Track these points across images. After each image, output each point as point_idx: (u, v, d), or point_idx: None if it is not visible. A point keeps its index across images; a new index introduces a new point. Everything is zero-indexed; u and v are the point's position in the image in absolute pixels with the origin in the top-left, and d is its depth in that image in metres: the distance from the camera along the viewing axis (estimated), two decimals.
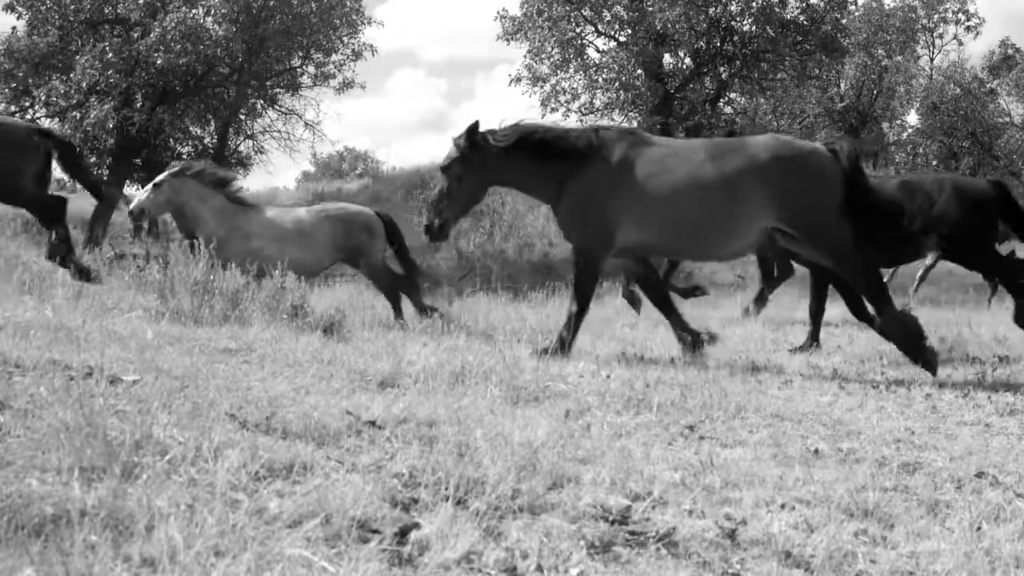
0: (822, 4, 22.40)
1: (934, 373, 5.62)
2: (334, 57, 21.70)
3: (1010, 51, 33.81)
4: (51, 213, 7.24)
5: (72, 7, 18.95)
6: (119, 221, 16.99)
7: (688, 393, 4.31)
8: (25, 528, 1.85)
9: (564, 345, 5.84)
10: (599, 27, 23.24)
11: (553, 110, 23.55)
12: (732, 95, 24.37)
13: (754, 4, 21.91)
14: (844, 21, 23.59)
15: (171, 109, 19.65)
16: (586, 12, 22.86)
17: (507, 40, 23.40)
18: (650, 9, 21.63)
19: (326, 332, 5.76)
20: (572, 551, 2.15)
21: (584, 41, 23.54)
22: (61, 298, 5.42)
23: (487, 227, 18.71)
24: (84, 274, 6.91)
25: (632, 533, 2.28)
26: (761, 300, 10.25)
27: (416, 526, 2.12)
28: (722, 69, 22.87)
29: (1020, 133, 31.56)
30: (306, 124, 22.32)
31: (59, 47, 18.71)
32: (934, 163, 33.36)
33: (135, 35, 18.47)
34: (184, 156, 20.67)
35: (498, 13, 23.37)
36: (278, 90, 21.66)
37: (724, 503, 2.64)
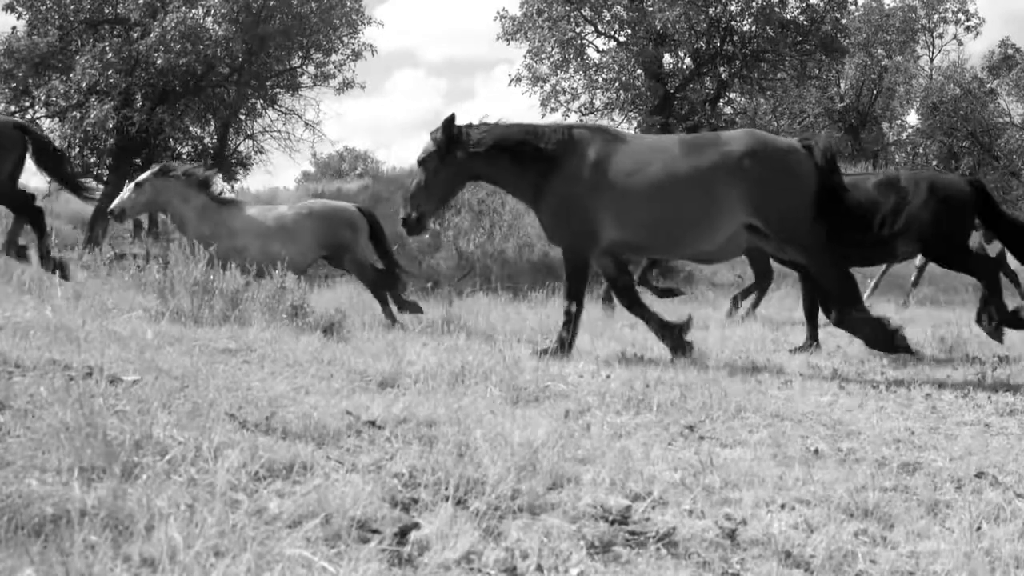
0: (822, 4, 22.39)
1: (912, 352, 5.84)
2: (334, 57, 21.69)
3: (1010, 51, 33.81)
4: (19, 207, 7.32)
5: (72, 7, 18.95)
6: None
7: (688, 393, 4.31)
8: (25, 528, 1.85)
9: (564, 345, 5.84)
10: (599, 27, 23.24)
11: (553, 110, 23.56)
12: (732, 95, 24.36)
13: (754, 4, 21.90)
14: (844, 21, 23.57)
15: (171, 109, 19.64)
16: (586, 12, 22.84)
17: (507, 40, 23.39)
18: (650, 9, 21.62)
19: (326, 332, 5.76)
20: (572, 551, 2.15)
21: (584, 41, 23.54)
22: (61, 298, 5.42)
23: (487, 227, 18.71)
24: (51, 264, 6.97)
25: (632, 533, 2.28)
26: (736, 302, 10.16)
27: (416, 526, 2.12)
28: (722, 69, 22.86)
29: (1020, 133, 31.56)
30: (306, 124, 22.33)
31: (59, 47, 18.70)
32: (934, 163, 33.35)
33: (135, 35, 18.47)
34: (184, 156, 20.67)
35: (498, 13, 23.38)
36: (278, 90, 21.65)
37: (724, 503, 2.65)
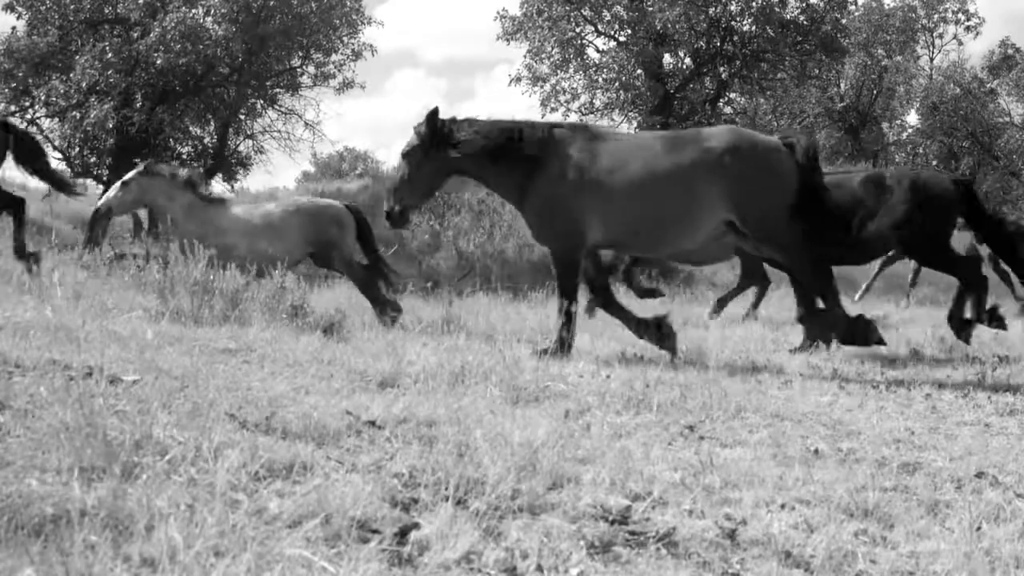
0: (822, 4, 22.40)
1: (884, 342, 5.88)
2: (334, 57, 21.69)
3: (1010, 51, 33.80)
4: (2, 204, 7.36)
5: (72, 7, 18.94)
6: (119, 221, 16.96)
7: (688, 393, 4.31)
8: (25, 528, 1.85)
9: (564, 345, 5.84)
10: (599, 27, 23.24)
11: (553, 110, 23.59)
12: (732, 95, 24.38)
13: (754, 4, 21.91)
14: (844, 21, 23.59)
15: (171, 109, 19.63)
16: (586, 12, 22.86)
17: (507, 40, 23.41)
18: (650, 9, 21.63)
19: (326, 332, 5.76)
20: (572, 551, 2.15)
21: (584, 41, 23.55)
22: (61, 298, 5.42)
23: (487, 227, 18.70)
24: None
25: (632, 533, 2.28)
26: (721, 305, 10.09)
27: (416, 526, 2.12)
28: (722, 69, 22.87)
29: (1020, 133, 31.56)
30: (306, 124, 22.32)
31: (59, 47, 18.69)
32: (934, 163, 33.34)
33: (135, 35, 18.46)
34: (184, 156, 20.67)
35: (498, 13, 23.40)
36: (278, 90, 21.64)
37: (724, 503, 2.64)
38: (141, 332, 4.40)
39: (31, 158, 7.78)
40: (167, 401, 2.90)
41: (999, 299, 10.86)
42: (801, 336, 7.48)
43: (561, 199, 5.92)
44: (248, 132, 21.94)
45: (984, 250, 9.31)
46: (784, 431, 3.75)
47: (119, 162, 19.04)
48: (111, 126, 18.12)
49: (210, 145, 21.11)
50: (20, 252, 7.21)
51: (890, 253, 10.63)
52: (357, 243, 8.40)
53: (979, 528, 2.54)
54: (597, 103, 23.59)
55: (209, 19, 19.41)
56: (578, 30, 23.25)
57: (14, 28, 18.94)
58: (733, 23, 22.23)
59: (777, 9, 21.87)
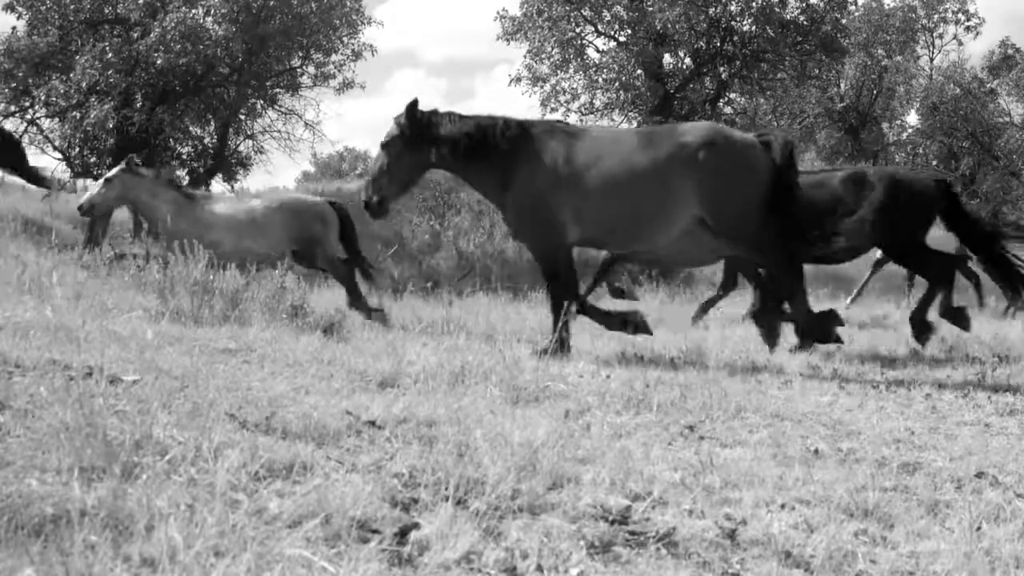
0: (822, 4, 22.38)
1: (841, 341, 6.03)
2: (334, 57, 21.66)
3: (1010, 51, 33.78)
4: None
5: (72, 7, 18.92)
6: (119, 221, 16.98)
7: (688, 393, 4.31)
8: (25, 528, 1.85)
9: (564, 345, 5.84)
10: (599, 27, 23.23)
11: (553, 110, 23.54)
12: (732, 95, 24.35)
13: (754, 4, 21.89)
14: (844, 21, 23.56)
15: (171, 109, 19.62)
16: (586, 12, 22.84)
17: (507, 40, 23.38)
18: (650, 9, 21.62)
19: (326, 332, 5.76)
20: (572, 551, 2.14)
21: (584, 41, 23.53)
22: (61, 298, 5.42)
23: (487, 227, 18.69)
24: None
25: (632, 533, 2.28)
26: (705, 309, 9.98)
27: (416, 526, 2.12)
28: (722, 69, 22.85)
29: (1020, 133, 31.53)
30: (306, 124, 22.29)
31: (59, 47, 18.67)
32: (934, 163, 33.33)
33: (135, 35, 18.44)
34: (184, 156, 20.66)
35: (498, 13, 23.37)
36: (278, 90, 21.62)
37: (724, 503, 2.65)
38: (141, 332, 4.40)
39: (15, 156, 7.78)
40: (167, 401, 2.90)
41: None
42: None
43: (539, 196, 5.92)
44: (248, 132, 21.92)
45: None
46: (784, 431, 3.75)
47: (119, 162, 19.03)
48: (111, 126, 18.10)
49: (210, 145, 21.09)
50: None
51: (878, 255, 10.59)
52: (340, 242, 8.41)
53: (979, 528, 2.54)
54: (597, 103, 23.58)
55: (209, 19, 19.39)
56: (578, 30, 23.23)
57: (14, 28, 18.92)
58: (733, 23, 22.21)
59: (777, 9, 21.86)
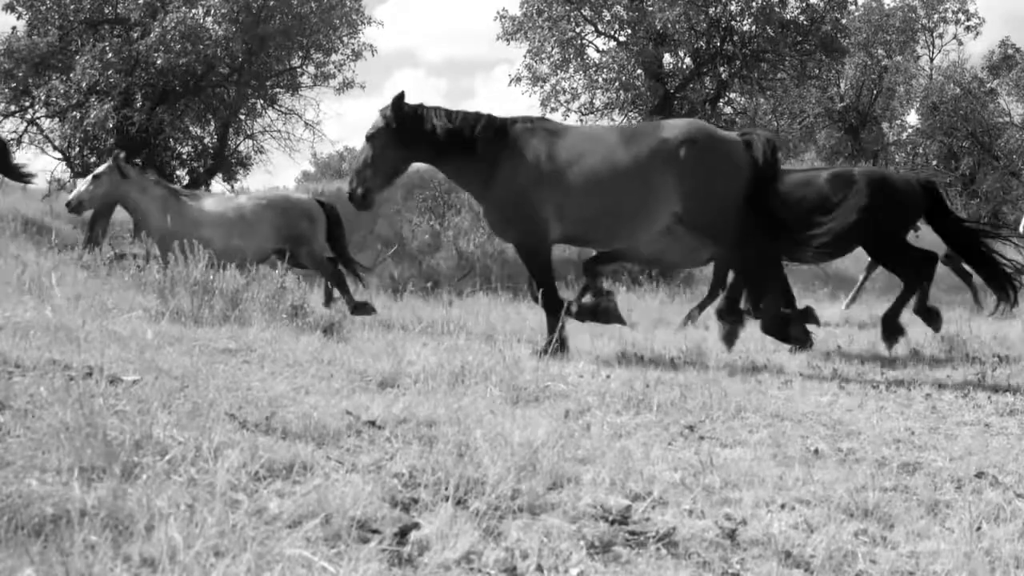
0: (822, 4, 22.38)
1: (807, 343, 6.07)
2: (334, 57, 21.63)
3: (1010, 51, 33.77)
4: None
5: (72, 7, 18.91)
6: (119, 221, 16.98)
7: (688, 393, 4.31)
8: (25, 528, 1.85)
9: (563, 344, 5.83)
10: (599, 27, 23.22)
11: (553, 110, 23.53)
12: (732, 95, 24.34)
13: (754, 4, 21.89)
14: (844, 21, 23.56)
15: (171, 109, 19.61)
16: (586, 12, 22.83)
17: (507, 40, 23.38)
18: (650, 9, 21.61)
19: (326, 332, 5.76)
20: (572, 551, 2.14)
21: (584, 41, 23.52)
22: (61, 298, 5.42)
23: (487, 227, 18.68)
24: None
25: (632, 533, 2.28)
26: (693, 315, 9.87)
27: (416, 526, 2.12)
28: (722, 69, 22.85)
29: (1020, 133, 31.52)
30: (306, 124, 22.27)
31: (59, 47, 18.66)
32: (934, 163, 33.32)
33: (135, 35, 18.43)
34: (184, 156, 20.65)
35: (498, 13, 23.36)
36: (278, 90, 21.60)
37: (724, 503, 2.65)
38: (141, 332, 4.40)
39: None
40: (167, 401, 2.90)
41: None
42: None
43: (521, 193, 5.92)
44: (248, 132, 21.91)
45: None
46: (784, 431, 3.75)
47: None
48: (111, 126, 18.08)
49: (210, 145, 21.08)
50: None
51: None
52: (328, 242, 8.42)
53: (979, 528, 2.54)
54: (597, 103, 23.57)
55: (209, 19, 19.38)
56: (578, 30, 23.23)
57: (14, 28, 18.90)
58: (733, 23, 22.21)
59: (777, 9, 21.85)
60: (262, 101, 21.43)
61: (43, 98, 18.51)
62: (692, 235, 6.08)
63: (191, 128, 21.04)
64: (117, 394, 2.94)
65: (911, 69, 34.89)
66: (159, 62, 17.64)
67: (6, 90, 18.53)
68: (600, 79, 23.30)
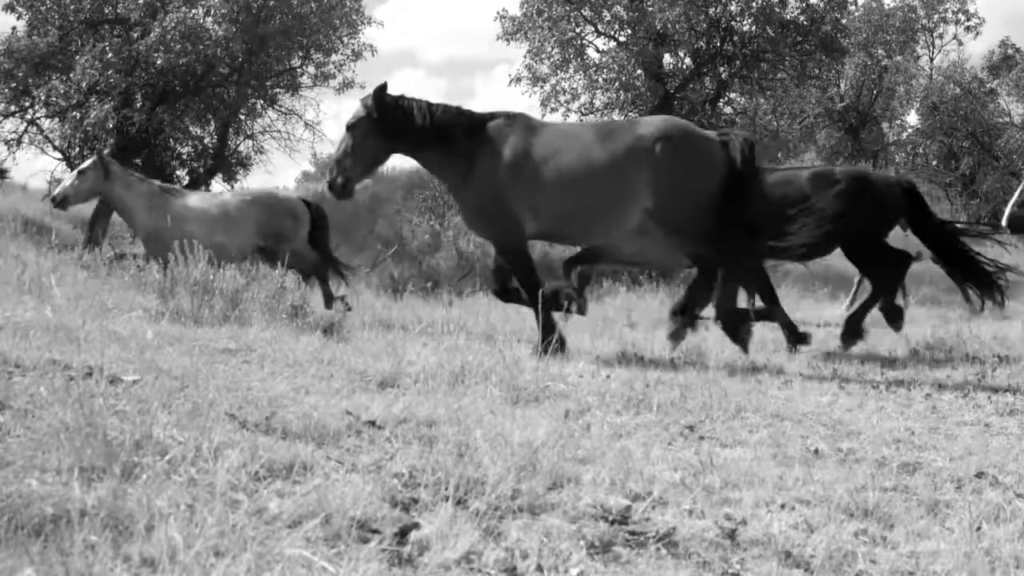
0: (822, 4, 22.38)
1: (744, 343, 6.18)
2: (334, 57, 21.64)
3: (1010, 51, 33.76)
4: None
5: (72, 7, 18.91)
6: (119, 221, 16.97)
7: (688, 393, 4.31)
8: (25, 528, 1.85)
9: (562, 342, 5.83)
10: (599, 27, 23.22)
11: (553, 110, 23.53)
12: (732, 95, 24.34)
13: (754, 4, 21.89)
14: (844, 21, 23.56)
15: (171, 109, 19.61)
16: (586, 12, 22.83)
17: (507, 40, 23.38)
18: (650, 9, 21.61)
19: (326, 332, 5.76)
20: (572, 551, 2.14)
21: (584, 41, 23.52)
22: (61, 298, 5.42)
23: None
24: None
25: (632, 533, 2.28)
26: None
27: (416, 526, 2.12)
28: (722, 69, 22.85)
29: (1020, 133, 31.51)
30: (306, 124, 22.27)
31: (59, 47, 18.66)
32: (934, 163, 33.31)
33: (135, 35, 18.44)
34: (184, 156, 20.66)
35: (498, 13, 23.36)
36: (278, 90, 21.61)
37: (724, 503, 2.64)
38: (141, 332, 4.40)
39: None
40: (167, 401, 2.90)
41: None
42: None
43: (498, 188, 5.93)
44: (248, 132, 21.92)
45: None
46: (784, 431, 3.75)
47: (119, 162, 19.01)
48: (111, 126, 18.09)
49: (210, 145, 21.09)
50: None
51: None
52: (311, 242, 8.44)
53: (979, 528, 2.54)
54: (597, 103, 23.57)
55: (209, 19, 19.38)
56: (578, 30, 23.22)
57: (14, 28, 18.91)
58: (733, 23, 22.20)
59: (777, 9, 21.85)
60: (262, 101, 21.44)
61: (43, 98, 18.52)
62: (663, 233, 6.06)
63: (191, 128, 21.05)
64: (117, 394, 2.94)
65: (911, 69, 34.88)
66: (159, 62, 17.64)
67: (6, 90, 18.53)
68: (600, 79, 23.30)
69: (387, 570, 1.94)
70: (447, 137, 6.03)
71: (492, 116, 6.18)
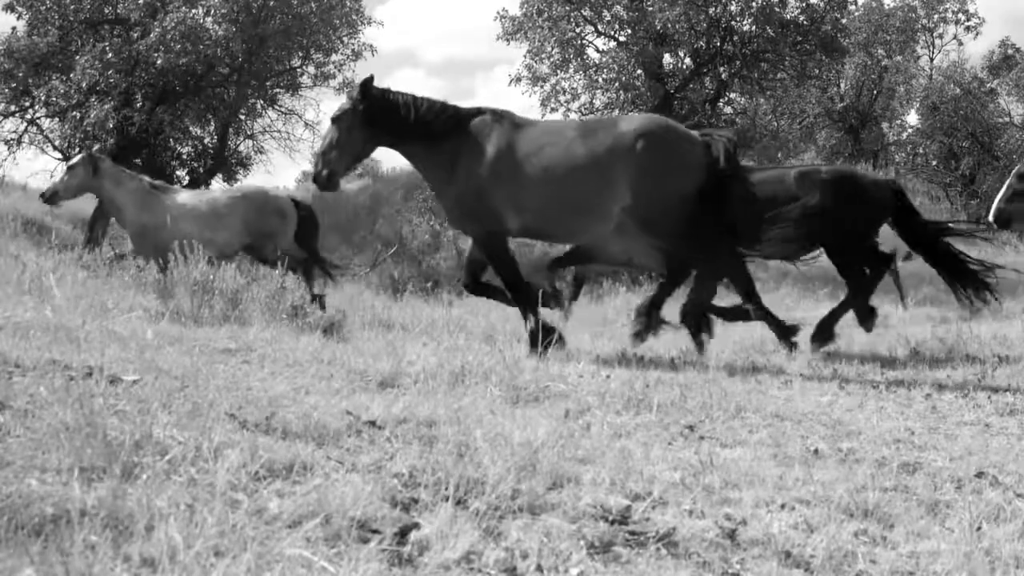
0: (822, 4, 22.38)
1: (701, 352, 6.13)
2: (334, 57, 21.65)
3: (1010, 51, 33.75)
4: None
5: (72, 7, 18.92)
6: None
7: (688, 393, 4.31)
8: (25, 528, 1.85)
9: (543, 335, 5.82)
10: (599, 27, 23.23)
11: (553, 110, 23.53)
12: (732, 95, 24.33)
13: (754, 4, 21.89)
14: (844, 21, 23.56)
15: (171, 109, 19.61)
16: (586, 12, 22.83)
17: (507, 40, 23.38)
18: (650, 9, 21.62)
19: (326, 332, 5.77)
20: (572, 551, 2.14)
21: (584, 41, 23.53)
22: (61, 298, 5.42)
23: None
24: None
25: (632, 533, 2.28)
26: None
27: (416, 526, 2.12)
28: (722, 69, 22.85)
29: (1020, 133, 31.51)
30: (306, 124, 22.27)
31: (59, 47, 18.67)
32: (934, 163, 33.31)
33: (135, 35, 18.44)
34: (184, 156, 20.67)
35: (498, 13, 23.36)
36: (278, 90, 21.62)
37: (724, 503, 2.64)
38: (141, 332, 4.40)
39: None
40: (167, 401, 2.90)
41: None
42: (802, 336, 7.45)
43: (481, 184, 5.93)
44: (248, 132, 21.92)
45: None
46: (784, 431, 3.75)
47: (119, 162, 19.01)
48: (111, 126, 18.09)
49: (210, 145, 21.10)
50: None
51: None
52: (299, 241, 8.46)
53: (979, 528, 2.54)
54: (597, 103, 23.57)
55: (209, 19, 19.39)
56: (578, 30, 23.23)
57: (14, 28, 18.91)
58: (733, 23, 22.20)
59: (777, 9, 21.85)
60: (262, 101, 21.44)
61: (43, 98, 18.52)
62: (639, 230, 6.04)
63: (191, 128, 21.06)
64: (117, 394, 2.94)
65: (911, 69, 34.88)
66: (159, 62, 17.64)
67: (6, 90, 18.53)
68: (600, 79, 23.30)
69: (387, 570, 1.93)
70: (432, 131, 6.03)
71: (478, 112, 6.18)
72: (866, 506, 2.66)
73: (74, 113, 18.37)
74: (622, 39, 23.00)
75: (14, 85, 18.40)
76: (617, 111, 23.19)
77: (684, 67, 23.35)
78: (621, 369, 5.24)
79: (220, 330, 5.23)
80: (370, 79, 6.11)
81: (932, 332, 7.74)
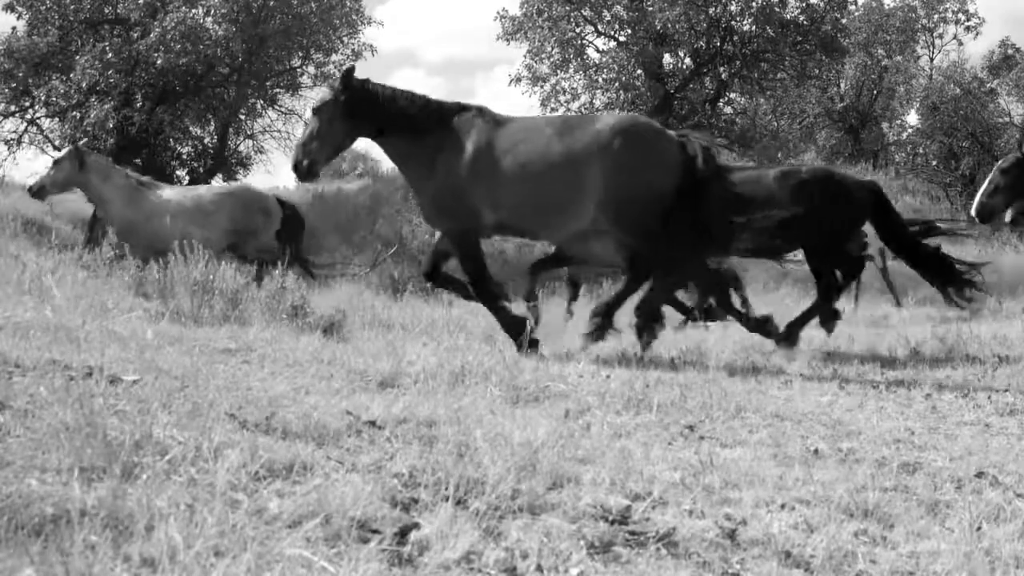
0: (822, 4, 22.40)
1: (644, 350, 6.00)
2: (334, 57, 21.68)
3: (1010, 51, 33.75)
4: None
5: (72, 7, 18.93)
6: None
7: (688, 393, 4.31)
8: (25, 528, 1.85)
9: (519, 330, 5.83)
10: (599, 27, 23.24)
11: (553, 110, 23.55)
12: (732, 95, 24.35)
13: (754, 4, 21.90)
14: (844, 21, 23.58)
15: (171, 109, 19.63)
16: (586, 12, 22.85)
17: (507, 40, 23.40)
18: (650, 9, 21.63)
19: (326, 332, 5.77)
20: (572, 551, 2.14)
21: (584, 41, 23.55)
22: (61, 298, 5.42)
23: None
24: None
25: (632, 533, 2.28)
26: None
27: (416, 526, 2.12)
28: (722, 69, 22.86)
29: (1020, 133, 31.51)
30: (306, 124, 22.31)
31: (59, 47, 18.69)
32: (934, 163, 33.31)
33: (135, 35, 18.45)
34: (184, 156, 20.68)
35: (498, 13, 23.39)
36: (278, 90, 21.64)
37: (724, 503, 2.64)
38: (141, 332, 4.40)
39: None
40: (167, 401, 2.90)
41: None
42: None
43: (458, 180, 5.92)
44: (248, 132, 21.94)
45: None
46: (784, 431, 3.75)
47: (119, 162, 18.99)
48: (111, 126, 18.10)
49: (210, 145, 21.11)
50: None
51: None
52: (283, 241, 8.47)
53: (979, 528, 2.54)
54: (597, 103, 23.58)
55: (209, 19, 19.40)
56: (578, 30, 23.25)
57: (14, 28, 18.93)
58: (733, 23, 22.22)
59: (777, 9, 21.87)
60: (262, 101, 21.46)
61: (43, 98, 18.53)
62: (609, 226, 6.02)
63: (191, 128, 21.07)
64: (117, 394, 2.94)
65: (911, 69, 34.89)
66: (159, 62, 17.66)
67: (6, 90, 18.55)
68: (600, 79, 23.32)
69: (387, 570, 1.93)
70: (413, 125, 6.02)
71: (460, 108, 6.17)
72: (866, 506, 2.66)
73: (74, 113, 18.38)
74: (622, 39, 23.02)
75: (14, 85, 18.41)
76: (617, 111, 23.21)
77: (684, 67, 23.36)
78: (621, 369, 5.24)
79: (220, 330, 5.24)
80: (351, 70, 6.10)
81: (932, 332, 7.74)
